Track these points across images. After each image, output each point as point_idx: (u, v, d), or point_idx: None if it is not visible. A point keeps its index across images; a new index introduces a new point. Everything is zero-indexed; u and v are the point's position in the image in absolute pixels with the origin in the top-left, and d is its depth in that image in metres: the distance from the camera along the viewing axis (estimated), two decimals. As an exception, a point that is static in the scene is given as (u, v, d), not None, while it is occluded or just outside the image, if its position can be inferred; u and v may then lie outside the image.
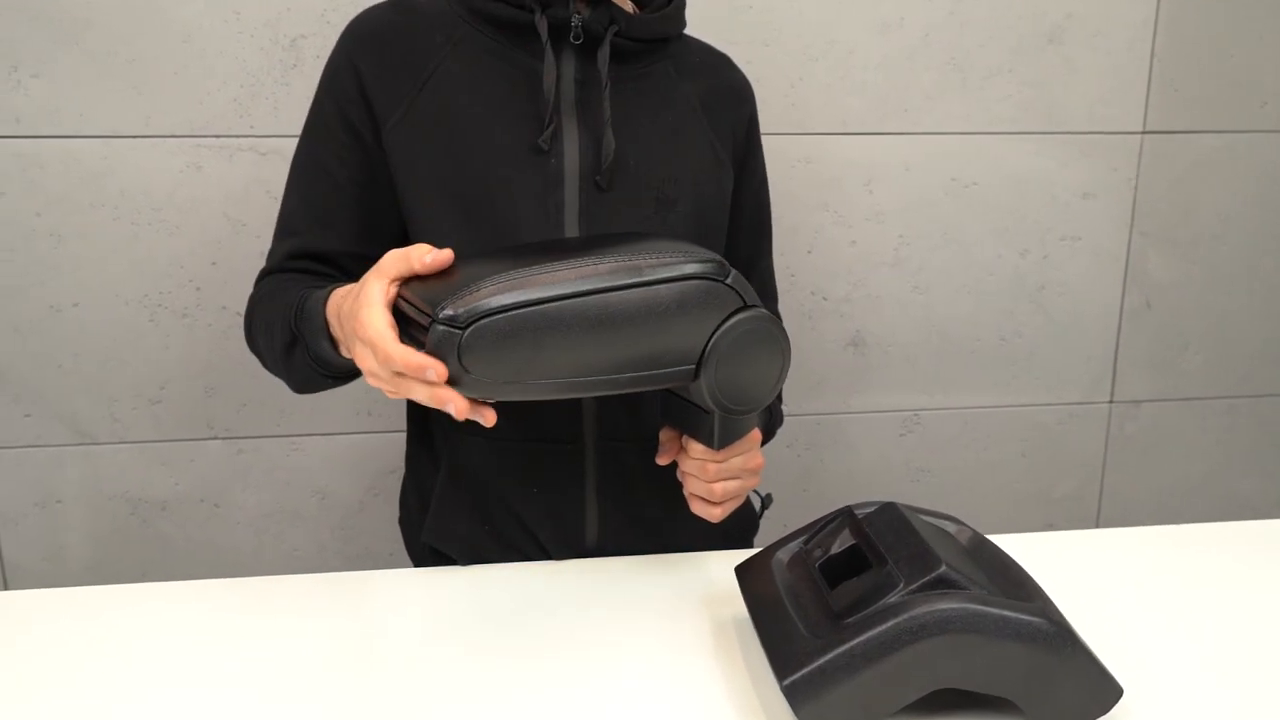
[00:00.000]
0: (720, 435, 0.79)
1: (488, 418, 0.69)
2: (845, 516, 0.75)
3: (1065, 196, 1.51)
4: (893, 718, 0.65)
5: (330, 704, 0.69)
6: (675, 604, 0.82)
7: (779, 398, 1.02)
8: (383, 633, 0.78)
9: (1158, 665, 0.75)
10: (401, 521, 1.01)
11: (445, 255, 0.69)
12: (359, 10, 0.90)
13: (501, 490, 0.91)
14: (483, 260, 0.70)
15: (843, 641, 0.64)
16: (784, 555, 0.76)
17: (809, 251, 1.49)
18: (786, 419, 1.52)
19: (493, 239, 0.84)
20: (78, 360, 1.37)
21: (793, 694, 0.63)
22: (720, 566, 0.88)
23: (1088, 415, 1.62)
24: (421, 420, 0.96)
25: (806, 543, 0.76)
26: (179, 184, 1.33)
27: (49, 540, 1.43)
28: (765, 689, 0.71)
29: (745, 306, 0.74)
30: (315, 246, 0.88)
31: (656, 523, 0.93)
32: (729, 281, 0.73)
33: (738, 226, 0.96)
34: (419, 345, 0.66)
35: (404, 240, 0.90)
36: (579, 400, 0.89)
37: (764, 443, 0.92)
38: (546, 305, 0.66)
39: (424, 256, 0.68)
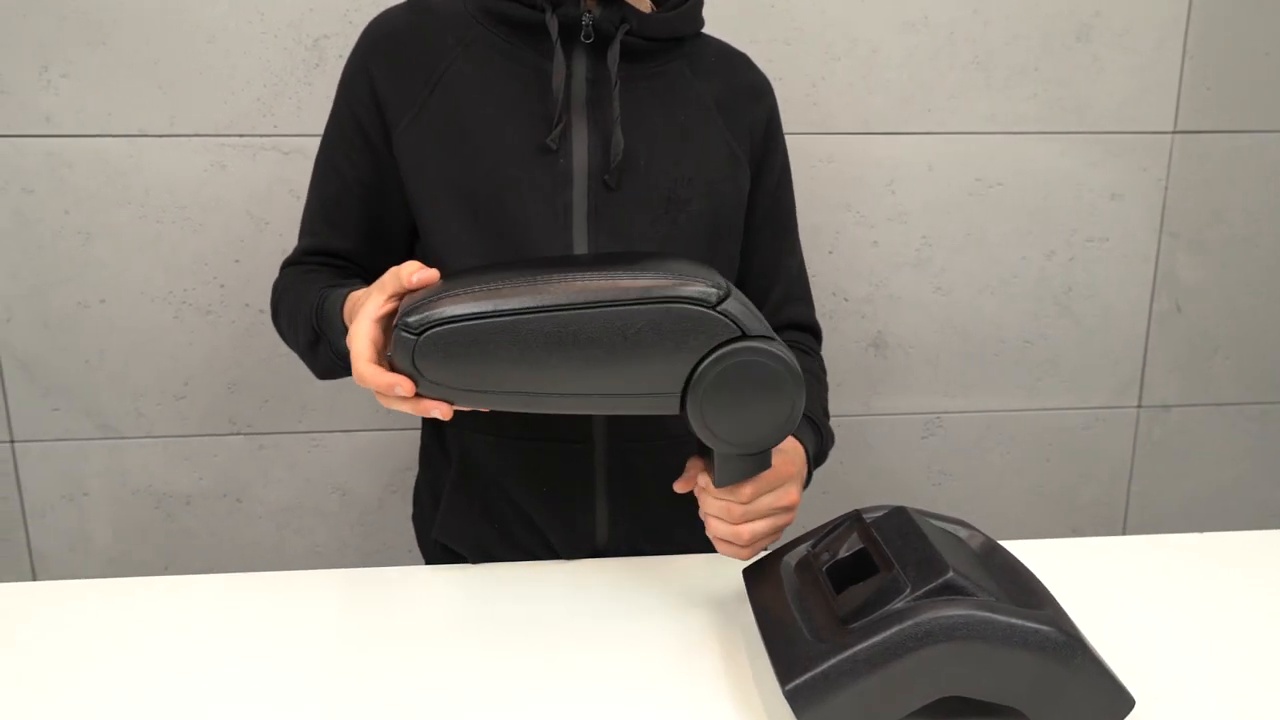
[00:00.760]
0: (720, 474, 0.73)
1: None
2: (853, 520, 0.74)
3: (1092, 197, 1.49)
4: (897, 725, 0.64)
5: (331, 701, 0.69)
6: (682, 606, 0.82)
7: (826, 413, 0.95)
8: (390, 630, 0.78)
9: (1175, 676, 0.73)
10: (414, 518, 1.02)
11: (431, 274, 0.70)
12: (380, 10, 0.91)
13: (511, 490, 0.91)
14: (477, 271, 0.71)
15: (846, 647, 0.63)
16: (791, 559, 0.76)
17: (830, 252, 1.47)
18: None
19: (501, 239, 0.84)
20: (104, 356, 1.39)
21: (795, 699, 0.62)
22: (729, 569, 0.87)
23: (1115, 420, 1.59)
24: (434, 419, 0.97)
25: (814, 546, 0.76)
26: (203, 182, 1.34)
27: (75, 532, 1.45)
28: (770, 693, 0.70)
29: (743, 337, 0.68)
30: (328, 246, 0.91)
31: (666, 524, 0.93)
32: (721, 309, 0.67)
33: (756, 226, 0.95)
34: None
35: (415, 241, 0.91)
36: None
37: (816, 466, 0.89)
38: (500, 319, 0.66)
39: (412, 275, 0.69)
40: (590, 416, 0.90)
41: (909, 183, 1.46)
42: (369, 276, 0.96)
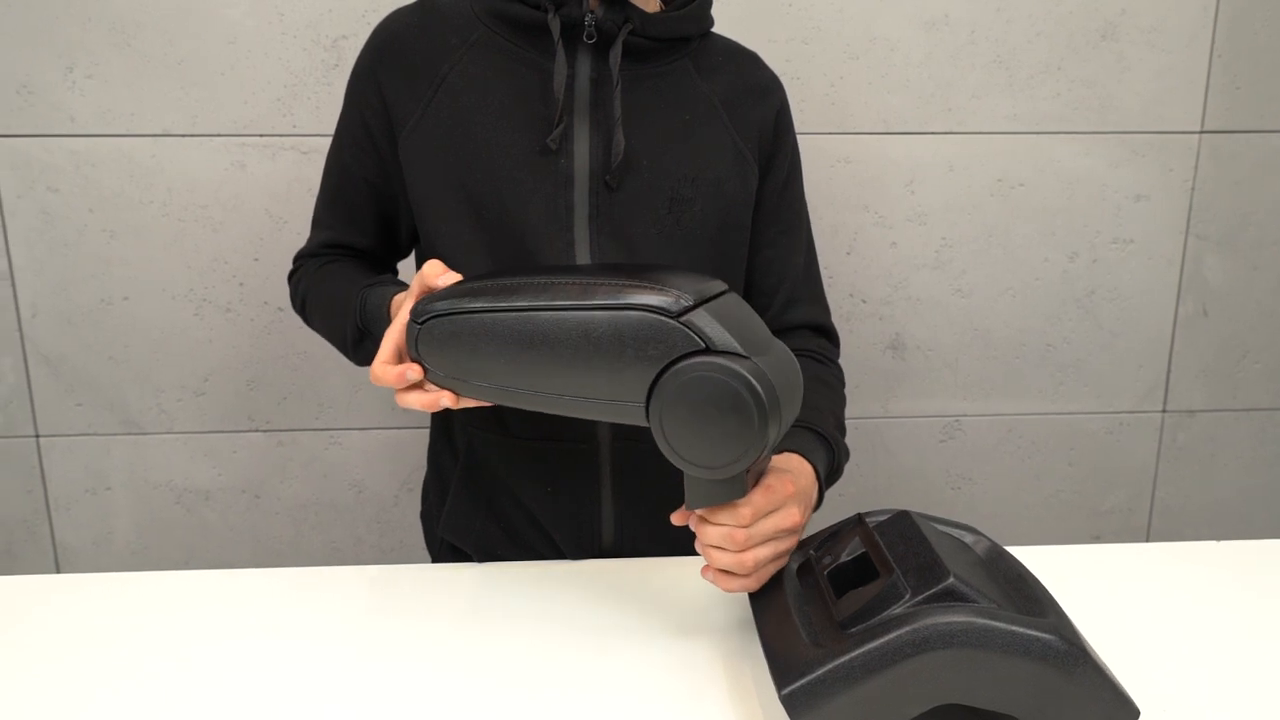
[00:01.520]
0: (690, 496, 0.69)
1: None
2: (855, 523, 0.73)
3: (1117, 198, 1.46)
4: (896, 732, 0.63)
5: (331, 698, 0.70)
6: (685, 607, 0.82)
7: (840, 427, 0.89)
8: (391, 627, 0.78)
9: (1186, 688, 0.72)
10: (423, 515, 1.02)
11: (453, 276, 0.74)
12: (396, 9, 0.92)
13: (517, 489, 0.91)
14: (491, 273, 0.75)
15: (844, 652, 0.62)
16: (793, 562, 0.75)
17: (848, 253, 1.46)
18: (823, 422, 1.51)
19: (503, 239, 0.84)
20: (127, 352, 1.41)
21: (790, 704, 0.62)
22: (735, 571, 0.87)
23: (1139, 425, 1.56)
24: (444, 415, 0.97)
25: (816, 549, 0.75)
26: (224, 182, 1.36)
27: (98, 525, 1.48)
28: (768, 697, 0.70)
29: (704, 351, 0.64)
30: (343, 240, 0.93)
31: (673, 525, 0.92)
32: (684, 320, 0.64)
33: (763, 224, 0.94)
34: None
35: (420, 239, 0.92)
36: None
37: (829, 484, 0.85)
38: (483, 314, 0.69)
39: (437, 277, 0.74)
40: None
41: (929, 183, 1.44)
42: (385, 269, 0.97)
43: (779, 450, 0.80)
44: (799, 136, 1.38)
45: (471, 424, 0.92)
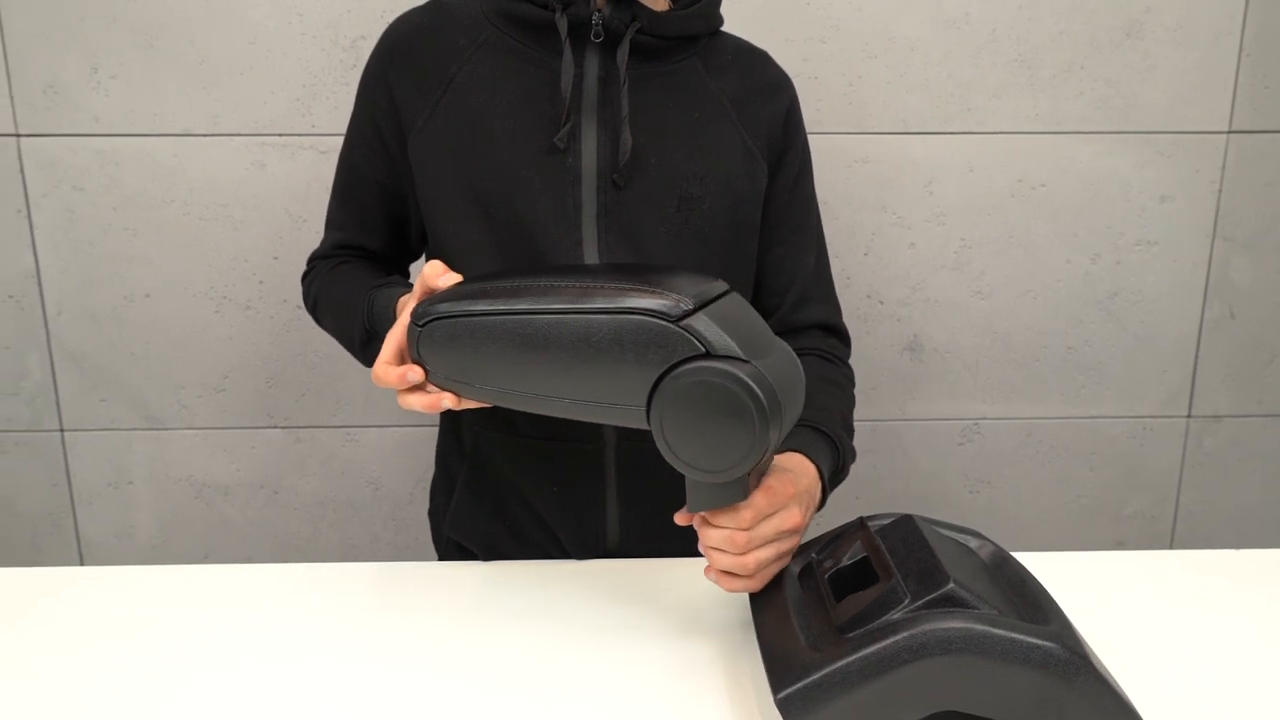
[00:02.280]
0: (691, 499, 0.70)
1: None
2: (857, 527, 0.73)
3: (1141, 199, 1.44)
4: (893, 738, 0.63)
5: (329, 695, 0.70)
6: (687, 609, 0.81)
7: (847, 427, 0.89)
8: (393, 624, 0.79)
9: (1198, 699, 0.70)
10: (430, 513, 1.03)
11: (454, 277, 0.74)
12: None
13: (522, 488, 0.91)
14: (491, 274, 0.75)
15: (841, 656, 0.62)
16: (795, 565, 0.75)
17: (865, 253, 1.45)
18: (839, 424, 1.50)
19: (511, 238, 0.84)
20: (149, 349, 1.43)
21: (786, 708, 0.61)
22: (740, 573, 0.86)
23: (1163, 430, 1.54)
24: (451, 415, 0.98)
25: (818, 553, 0.74)
26: (244, 181, 1.37)
27: (120, 519, 1.50)
28: (767, 700, 0.69)
29: (704, 355, 0.64)
30: (355, 241, 0.93)
31: (679, 526, 0.91)
32: (684, 324, 0.64)
33: (773, 223, 0.94)
34: None
35: (428, 239, 0.92)
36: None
37: (833, 485, 0.85)
38: (484, 317, 0.70)
39: (438, 277, 0.74)
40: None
41: (948, 183, 1.43)
42: (396, 270, 0.98)
43: (782, 449, 0.80)
44: (816, 136, 1.38)
45: (478, 423, 0.92)
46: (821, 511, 1.49)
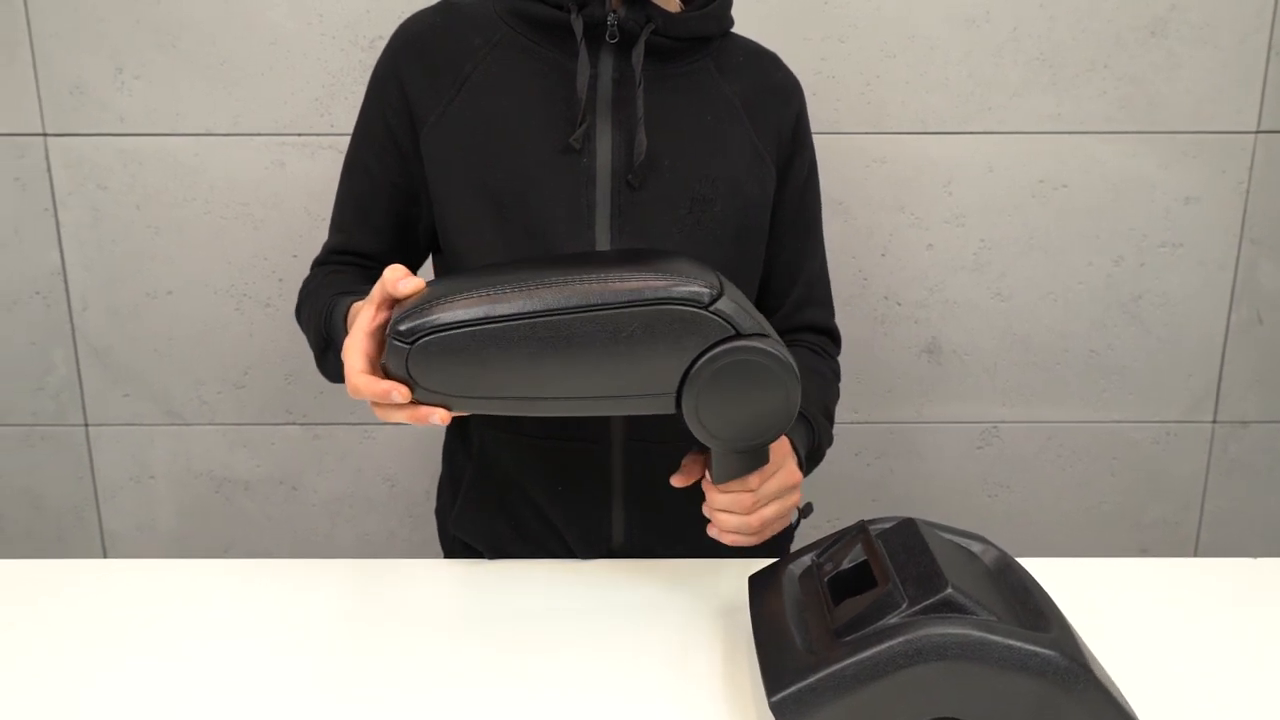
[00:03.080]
0: (718, 470, 0.74)
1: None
2: (858, 531, 0.72)
3: (1165, 200, 1.42)
4: (889, 744, 0.62)
5: (329, 690, 0.71)
6: (689, 610, 0.81)
7: (828, 417, 0.95)
8: (396, 621, 0.79)
9: (1213, 712, 0.69)
10: (437, 511, 1.03)
11: (417, 283, 0.70)
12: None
13: (528, 488, 0.92)
14: (469, 275, 0.71)
15: (836, 660, 0.61)
16: (796, 568, 0.74)
17: (883, 254, 1.44)
18: (857, 426, 1.49)
19: (524, 238, 0.84)
20: (170, 345, 1.45)
21: (780, 711, 0.61)
22: (741, 573, 0.86)
23: (1187, 435, 1.51)
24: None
25: (819, 556, 0.74)
26: (264, 180, 1.39)
27: (142, 513, 1.52)
28: (764, 703, 0.69)
29: (736, 336, 0.68)
30: (356, 245, 0.93)
31: (684, 526, 0.91)
32: (714, 309, 0.67)
33: (780, 227, 0.94)
34: None
35: (438, 242, 0.92)
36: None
37: (808, 468, 0.89)
38: (492, 325, 0.66)
39: (398, 283, 0.69)
40: (608, 417, 0.89)
41: (967, 184, 1.41)
42: None
43: None
44: (833, 136, 1.38)
45: (485, 423, 0.92)
46: (843, 516, 1.49)
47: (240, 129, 1.37)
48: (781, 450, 0.79)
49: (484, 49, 0.86)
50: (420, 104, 0.87)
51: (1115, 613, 0.81)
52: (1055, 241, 1.43)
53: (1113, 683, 0.63)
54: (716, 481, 0.74)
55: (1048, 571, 0.84)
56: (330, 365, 0.88)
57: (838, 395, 0.98)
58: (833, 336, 1.01)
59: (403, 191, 0.90)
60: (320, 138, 1.38)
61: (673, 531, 0.91)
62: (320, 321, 0.85)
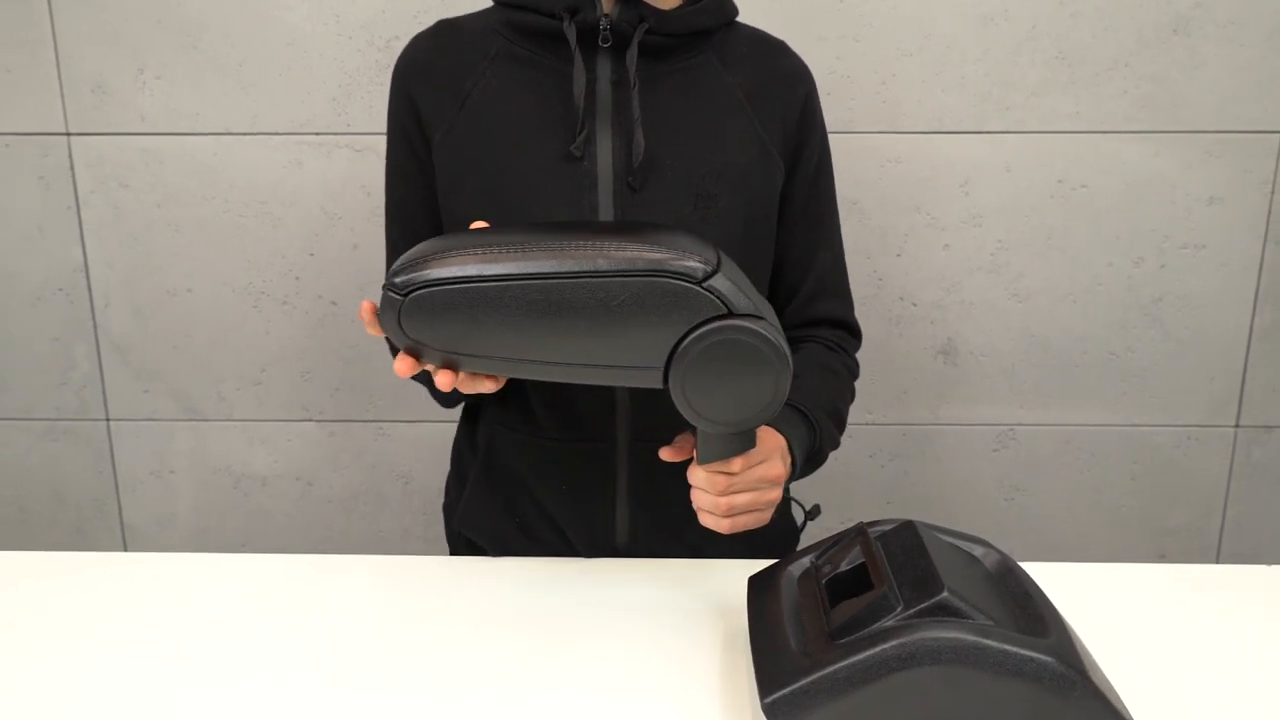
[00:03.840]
0: (703, 450, 0.73)
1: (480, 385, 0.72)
2: (857, 533, 0.72)
3: (1188, 201, 1.39)
4: (883, 748, 0.61)
5: (326, 687, 0.72)
6: (689, 611, 0.81)
7: (834, 417, 0.92)
8: (397, 618, 0.80)
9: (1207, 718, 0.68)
10: (444, 509, 1.04)
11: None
12: (448, 12, 0.93)
13: (533, 487, 0.92)
14: (475, 233, 0.71)
15: (829, 663, 0.61)
16: (796, 569, 0.74)
17: (898, 255, 1.43)
18: (871, 427, 1.48)
19: None
20: (190, 342, 1.47)
21: (772, 713, 0.61)
22: (743, 574, 0.85)
23: (1209, 439, 1.49)
24: (471, 411, 0.99)
25: (818, 558, 0.73)
26: (281, 179, 1.40)
27: (162, 507, 1.55)
28: (759, 705, 0.69)
29: (728, 315, 0.67)
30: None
31: (688, 527, 0.91)
32: (708, 285, 0.66)
33: (790, 218, 0.93)
34: None
35: None
36: (612, 400, 0.89)
37: (809, 466, 0.88)
38: (485, 284, 0.66)
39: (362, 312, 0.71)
40: (613, 416, 0.89)
41: (984, 184, 1.40)
42: None
43: None
44: (847, 136, 1.37)
45: (492, 422, 0.93)
46: (847, 514, 1.47)
47: (258, 128, 1.39)
48: (772, 443, 0.79)
49: (483, 63, 0.87)
50: (430, 123, 0.87)
51: (1126, 619, 0.80)
52: (1074, 242, 1.41)
53: (1113, 690, 0.62)
54: (700, 461, 0.74)
55: (1060, 576, 0.83)
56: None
57: (852, 394, 0.95)
58: (851, 330, 0.99)
59: (431, 198, 0.90)
60: (337, 136, 1.39)
61: (677, 532, 0.91)
62: None
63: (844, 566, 0.70)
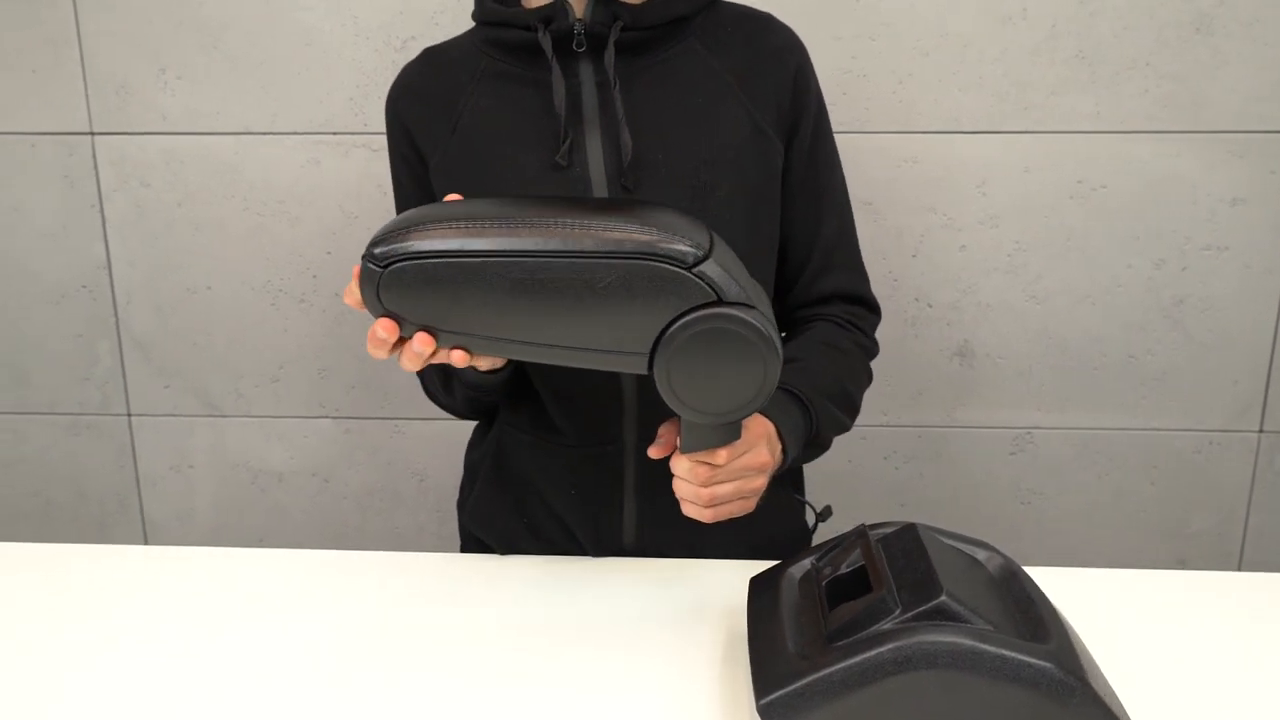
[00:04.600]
0: (686, 440, 0.71)
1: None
2: (858, 536, 0.71)
3: (1210, 202, 1.37)
4: (880, 751, 0.61)
5: (326, 684, 0.72)
6: (692, 610, 0.81)
7: (838, 397, 0.89)
8: (398, 615, 0.81)
9: (1212, 727, 0.67)
10: (458, 505, 1.05)
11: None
12: (466, 14, 0.94)
13: (540, 487, 0.92)
14: (460, 204, 0.69)
15: (825, 665, 0.61)
16: (797, 571, 0.74)
17: (914, 255, 1.42)
18: (886, 429, 1.47)
19: None
20: (209, 339, 1.49)
21: (768, 715, 0.61)
22: (745, 575, 0.85)
23: (1232, 444, 1.46)
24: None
25: (819, 560, 0.73)
26: (299, 178, 1.42)
27: (182, 502, 1.57)
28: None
29: (718, 303, 0.65)
30: None
31: (695, 527, 0.91)
32: (697, 270, 0.64)
33: (791, 193, 0.90)
34: None
35: None
36: (619, 400, 0.89)
37: (808, 455, 0.87)
38: (466, 259, 0.64)
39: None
40: (621, 417, 0.89)
41: (1002, 184, 1.38)
42: None
43: None
44: (862, 136, 1.36)
45: (502, 422, 0.94)
46: (860, 516, 1.45)
47: (277, 128, 1.40)
48: (757, 431, 0.76)
49: (470, 84, 0.87)
50: (426, 149, 0.89)
51: (1142, 626, 0.79)
52: (1093, 243, 1.40)
53: (1115, 697, 0.62)
54: (684, 450, 0.72)
55: (1074, 582, 0.82)
56: (458, 395, 0.90)
57: (867, 374, 0.92)
58: (867, 305, 0.95)
59: None
60: (355, 136, 1.40)
61: (683, 533, 0.91)
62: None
63: (844, 569, 0.69)
